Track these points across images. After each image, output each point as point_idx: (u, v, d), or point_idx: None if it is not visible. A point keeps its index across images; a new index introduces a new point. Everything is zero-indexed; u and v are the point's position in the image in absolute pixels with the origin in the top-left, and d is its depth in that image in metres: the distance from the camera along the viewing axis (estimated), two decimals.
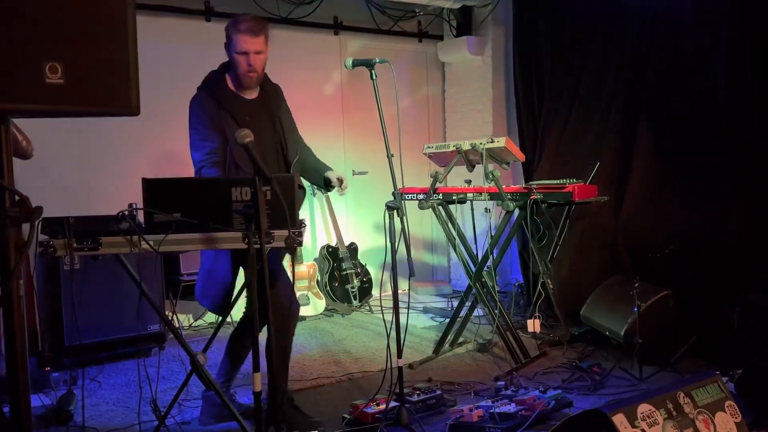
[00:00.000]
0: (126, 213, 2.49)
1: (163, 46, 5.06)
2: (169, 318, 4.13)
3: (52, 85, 1.59)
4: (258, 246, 2.43)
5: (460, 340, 4.47)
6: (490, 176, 3.95)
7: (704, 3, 4.35)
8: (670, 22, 4.55)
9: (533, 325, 4.45)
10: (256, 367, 2.44)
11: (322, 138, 5.88)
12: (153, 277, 4.18)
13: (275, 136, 3.14)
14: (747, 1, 4.11)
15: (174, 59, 5.15)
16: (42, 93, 1.59)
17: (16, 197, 1.71)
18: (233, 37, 3.02)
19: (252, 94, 3.15)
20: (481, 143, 4.04)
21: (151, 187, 2.60)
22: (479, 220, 4.70)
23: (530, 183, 4.41)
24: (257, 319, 2.52)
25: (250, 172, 2.98)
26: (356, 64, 3.22)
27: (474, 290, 4.25)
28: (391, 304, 3.18)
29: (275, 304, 2.97)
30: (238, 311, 5.21)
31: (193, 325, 5.22)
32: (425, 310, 5.59)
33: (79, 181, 4.78)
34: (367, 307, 5.57)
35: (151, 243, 2.50)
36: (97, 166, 4.87)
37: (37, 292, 4.01)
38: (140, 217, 2.60)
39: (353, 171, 6.12)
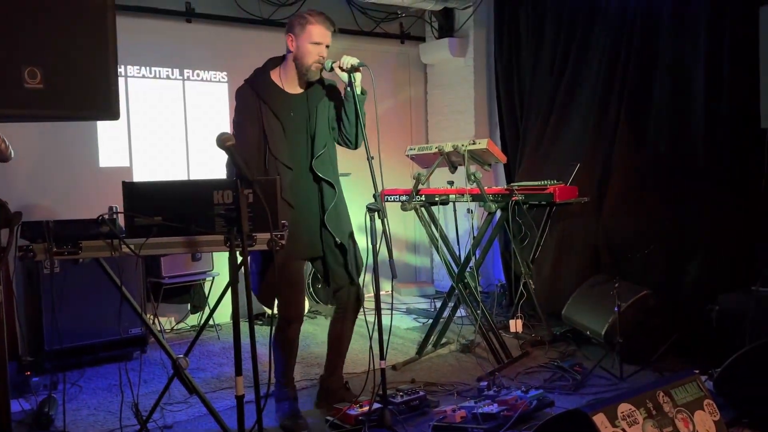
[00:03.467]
0: (106, 217, 2.48)
1: (144, 47, 5.02)
2: (151, 321, 4.11)
3: (31, 90, 1.58)
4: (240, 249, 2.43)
5: (443, 340, 4.49)
6: (472, 178, 3.97)
7: (682, 9, 4.40)
8: (649, 26, 4.60)
9: (515, 325, 4.49)
10: (238, 371, 2.43)
11: None
12: (134, 281, 4.15)
13: (310, 129, 3.20)
14: (723, 7, 4.16)
15: (154, 60, 5.13)
16: (21, 98, 1.59)
17: None
18: (308, 27, 3.08)
19: (297, 89, 3.22)
20: (463, 145, 4.05)
21: (131, 190, 2.59)
22: (462, 221, 4.72)
23: (512, 184, 4.43)
24: (238, 319, 2.51)
25: (288, 163, 3.10)
26: (333, 68, 3.22)
27: (457, 291, 4.27)
28: (373, 305, 3.18)
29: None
30: (225, 312, 5.23)
31: (174, 328, 5.19)
32: (408, 311, 5.60)
33: (57, 184, 4.73)
34: None
35: (132, 247, 2.48)
36: (76, 168, 4.82)
37: (16, 297, 3.97)
38: (121, 220, 2.59)
39: None
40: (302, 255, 3.22)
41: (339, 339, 3.42)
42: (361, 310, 3.46)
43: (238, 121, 3.17)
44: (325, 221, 3.20)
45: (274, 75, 3.20)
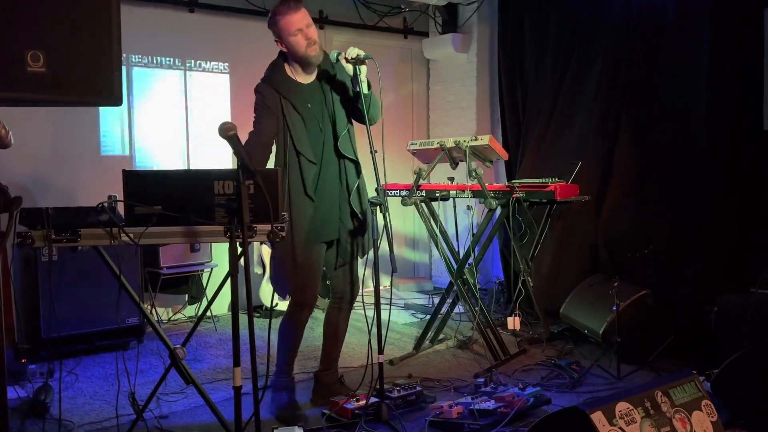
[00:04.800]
0: (106, 205, 2.47)
1: (146, 36, 5.01)
2: (148, 311, 4.10)
3: (33, 74, 1.56)
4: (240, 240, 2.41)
5: (441, 336, 4.48)
6: (474, 174, 3.96)
7: (686, 9, 4.39)
8: (654, 23, 4.59)
9: (513, 322, 4.48)
10: (236, 362, 2.42)
11: None
12: (132, 270, 4.14)
13: (329, 113, 3.21)
14: (727, 9, 4.14)
15: (156, 49, 5.11)
16: (23, 81, 1.57)
17: None
18: (280, 24, 3.07)
19: (310, 78, 3.22)
20: (465, 141, 4.04)
21: (131, 179, 2.58)
22: (461, 217, 4.71)
23: (513, 181, 4.42)
24: (237, 310, 2.50)
25: (311, 158, 3.11)
26: (339, 60, 3.20)
27: (455, 287, 4.26)
28: (372, 300, 3.17)
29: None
30: (223, 304, 5.23)
31: (171, 318, 5.19)
32: (406, 307, 5.60)
33: (58, 172, 4.72)
34: None
35: (132, 235, 2.47)
36: (77, 156, 4.81)
37: (14, 284, 3.96)
38: (120, 209, 2.58)
39: None
40: (321, 238, 3.22)
41: (335, 329, 3.42)
42: (361, 304, 3.45)
43: (255, 118, 3.16)
44: (351, 202, 3.23)
45: (288, 69, 3.20)
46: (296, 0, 3.11)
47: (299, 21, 3.07)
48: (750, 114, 4.04)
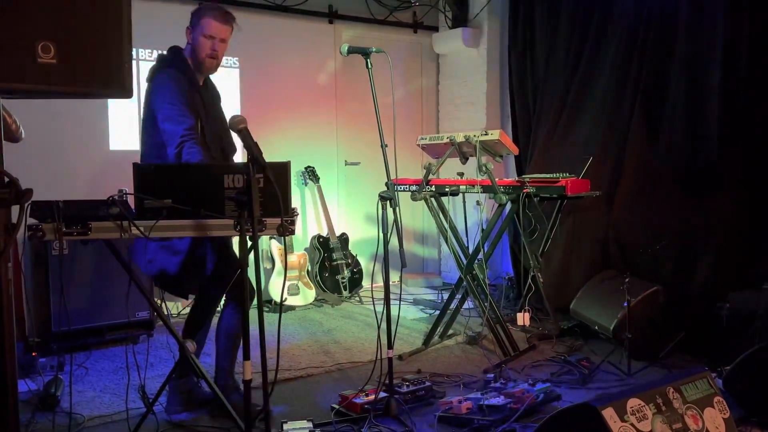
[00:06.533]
0: (116, 198, 2.47)
1: (156, 30, 5.00)
2: (158, 305, 4.11)
3: (44, 65, 1.56)
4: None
5: (450, 332, 4.47)
6: (484, 169, 3.94)
7: (699, 3, 4.34)
8: (666, 19, 4.54)
9: (523, 318, 4.47)
10: (246, 355, 2.42)
11: (315, 127, 5.85)
12: None
13: (223, 123, 3.17)
14: (742, 3, 4.10)
15: (166, 44, 5.10)
16: (34, 73, 1.56)
17: (6, 179, 1.68)
18: (202, 21, 3.07)
19: (200, 82, 3.18)
20: (474, 135, 4.02)
21: (142, 172, 2.58)
22: (471, 212, 4.70)
23: (523, 176, 4.40)
24: (247, 306, 2.50)
25: (217, 155, 3.02)
26: (352, 51, 3.19)
27: (465, 283, 4.25)
28: (380, 295, 3.16)
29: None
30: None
31: (181, 312, 5.19)
32: (415, 302, 5.59)
33: (68, 166, 4.73)
34: (357, 298, 5.56)
35: (142, 229, 2.47)
36: (87, 151, 4.82)
37: (24, 277, 3.97)
38: (131, 202, 2.58)
39: (345, 161, 6.10)
40: None
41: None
42: (369, 299, 3.43)
43: (176, 105, 2.94)
44: None
45: (189, 61, 3.13)
46: (230, 15, 3.11)
47: (218, 31, 3.07)
48: (763, 110, 4.01)
